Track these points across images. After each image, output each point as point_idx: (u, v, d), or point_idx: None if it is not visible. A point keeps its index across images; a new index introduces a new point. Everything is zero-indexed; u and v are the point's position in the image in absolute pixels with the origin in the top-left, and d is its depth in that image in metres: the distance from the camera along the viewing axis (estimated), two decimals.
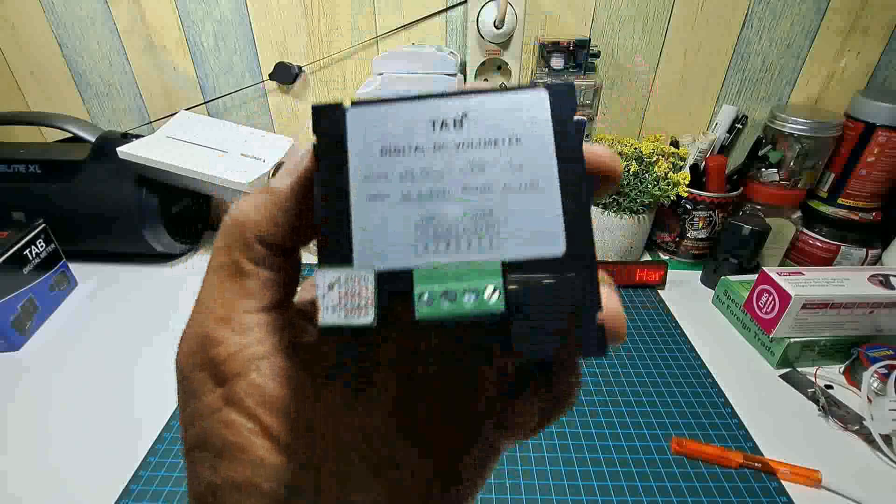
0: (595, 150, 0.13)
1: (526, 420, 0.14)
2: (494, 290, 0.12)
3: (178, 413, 0.14)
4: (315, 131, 0.13)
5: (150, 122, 0.81)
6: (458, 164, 0.13)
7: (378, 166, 0.13)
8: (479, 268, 0.12)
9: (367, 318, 0.12)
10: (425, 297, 0.12)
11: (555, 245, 0.12)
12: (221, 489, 0.13)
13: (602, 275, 0.13)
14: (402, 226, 0.12)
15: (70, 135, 0.72)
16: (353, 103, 0.13)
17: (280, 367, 0.13)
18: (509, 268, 0.12)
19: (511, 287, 0.12)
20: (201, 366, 0.13)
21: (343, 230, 0.12)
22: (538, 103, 0.13)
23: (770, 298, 0.56)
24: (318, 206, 0.13)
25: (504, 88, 0.13)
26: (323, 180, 0.13)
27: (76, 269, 0.71)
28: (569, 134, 0.13)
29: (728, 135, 0.74)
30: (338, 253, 0.12)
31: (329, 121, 0.13)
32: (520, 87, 0.13)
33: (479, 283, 0.12)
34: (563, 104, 0.13)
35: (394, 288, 0.12)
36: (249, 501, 0.13)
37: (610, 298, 0.12)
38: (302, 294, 0.17)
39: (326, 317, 0.12)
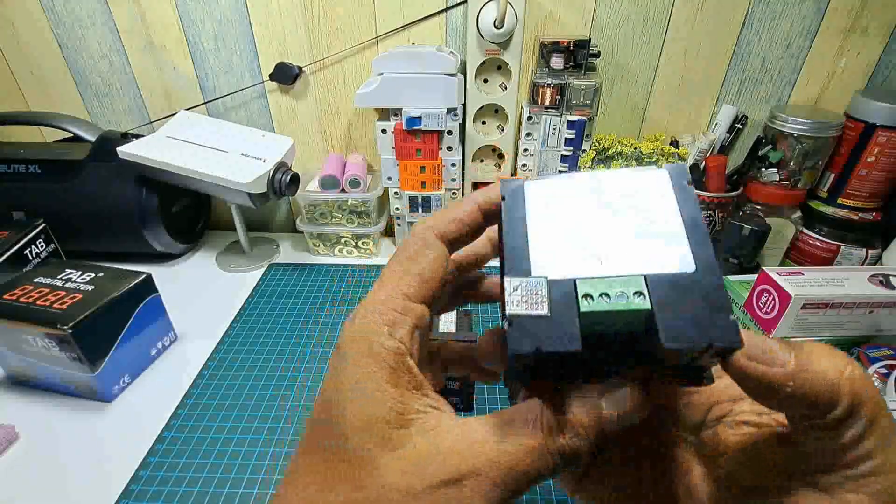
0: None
1: None
2: (640, 293, 0.15)
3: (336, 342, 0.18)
4: (502, 193, 0.19)
5: (150, 122, 0.81)
6: (602, 213, 0.18)
7: (546, 213, 0.18)
8: (627, 279, 0.16)
9: (543, 311, 0.16)
10: (587, 296, 0.16)
11: (687, 266, 0.16)
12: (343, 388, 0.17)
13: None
14: (564, 250, 0.17)
15: (70, 135, 0.72)
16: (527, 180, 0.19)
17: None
18: (651, 280, 0.16)
19: (655, 292, 0.15)
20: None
21: (523, 252, 0.17)
22: (661, 176, 0.18)
23: (770, 298, 0.56)
24: (507, 237, 0.18)
25: (632, 168, 0.19)
26: (509, 222, 0.18)
27: None
28: (687, 196, 0.17)
29: (728, 135, 0.74)
30: (520, 267, 0.17)
31: (513, 188, 0.19)
32: (646, 167, 0.18)
33: (628, 288, 0.16)
34: (680, 176, 0.18)
35: (563, 291, 0.16)
36: (365, 396, 0.17)
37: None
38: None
39: (512, 309, 0.16)
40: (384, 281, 0.19)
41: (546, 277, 0.16)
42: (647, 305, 0.15)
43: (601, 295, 0.16)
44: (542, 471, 0.16)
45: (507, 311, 0.16)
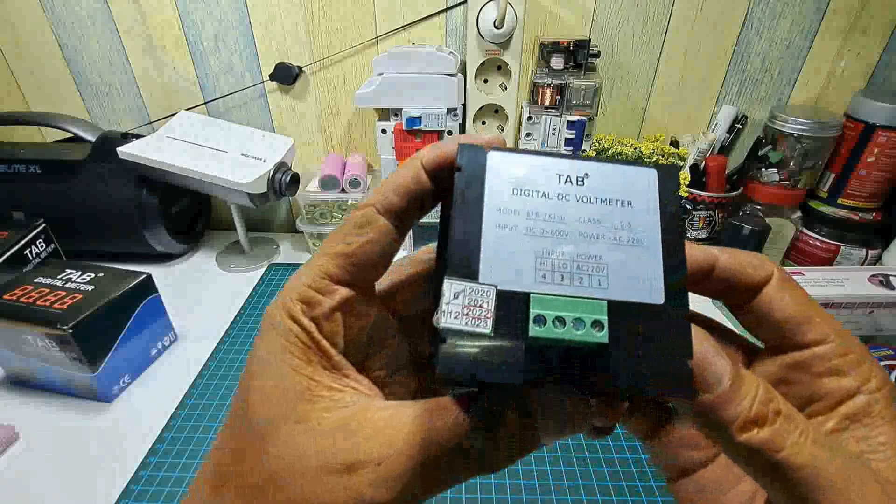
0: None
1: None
2: (600, 324, 0.13)
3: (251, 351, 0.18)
4: (458, 162, 0.15)
5: (150, 122, 0.81)
6: (576, 214, 0.15)
7: (509, 202, 0.15)
8: (588, 302, 0.14)
9: (485, 328, 0.13)
10: (539, 319, 0.13)
11: (655, 295, 0.14)
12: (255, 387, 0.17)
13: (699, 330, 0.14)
14: (523, 255, 0.14)
15: (70, 135, 0.72)
16: (495, 148, 0.15)
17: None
18: (613, 307, 0.14)
19: (615, 324, 0.14)
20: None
21: (473, 249, 0.14)
22: (650, 177, 0.15)
23: None
24: (455, 222, 0.14)
25: (620, 161, 0.15)
26: (460, 206, 0.14)
27: None
28: (671, 206, 0.15)
29: (728, 135, 0.74)
30: (466, 267, 0.14)
31: (471, 157, 0.15)
32: (634, 163, 0.15)
33: (587, 315, 0.14)
34: (670, 182, 0.15)
35: (512, 306, 0.14)
36: (270, 368, 0.17)
37: (702, 346, 0.14)
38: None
39: (447, 321, 0.13)
40: (311, 260, 0.17)
41: (496, 287, 0.14)
42: (605, 339, 0.13)
43: (555, 319, 0.13)
44: (455, 470, 0.15)
45: (441, 323, 0.13)
